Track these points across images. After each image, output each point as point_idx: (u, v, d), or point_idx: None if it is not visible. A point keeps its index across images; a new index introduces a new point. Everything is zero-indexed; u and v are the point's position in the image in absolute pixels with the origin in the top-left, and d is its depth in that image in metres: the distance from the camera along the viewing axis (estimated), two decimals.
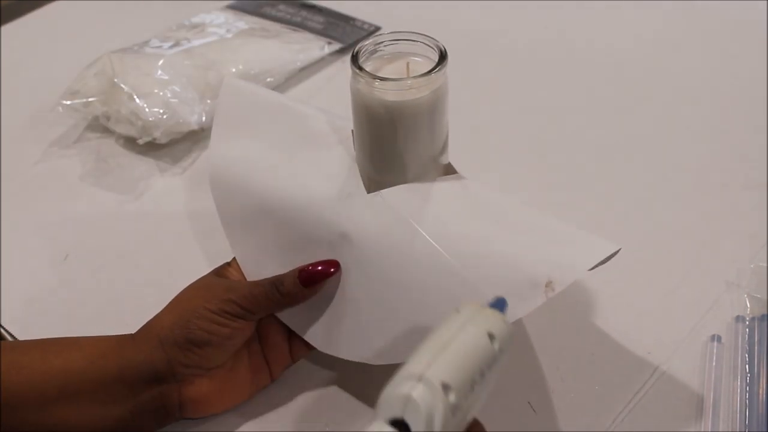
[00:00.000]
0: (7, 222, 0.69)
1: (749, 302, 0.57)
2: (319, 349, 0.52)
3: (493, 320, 0.40)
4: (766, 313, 0.56)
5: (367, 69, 0.48)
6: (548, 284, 0.46)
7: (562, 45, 0.88)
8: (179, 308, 0.49)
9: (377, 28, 0.91)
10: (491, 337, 0.39)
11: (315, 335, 0.52)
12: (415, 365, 0.36)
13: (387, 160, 0.51)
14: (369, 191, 0.51)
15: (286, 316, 0.52)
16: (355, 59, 0.48)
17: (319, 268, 0.50)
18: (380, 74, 0.48)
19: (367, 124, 0.50)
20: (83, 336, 0.50)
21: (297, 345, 0.53)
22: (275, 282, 0.49)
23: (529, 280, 0.46)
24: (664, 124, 0.76)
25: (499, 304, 0.42)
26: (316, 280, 0.49)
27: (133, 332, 0.50)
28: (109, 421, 0.47)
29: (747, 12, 0.90)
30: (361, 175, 0.52)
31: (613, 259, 0.46)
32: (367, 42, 0.50)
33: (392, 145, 0.50)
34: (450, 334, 0.38)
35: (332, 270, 0.50)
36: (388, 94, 0.47)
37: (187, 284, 0.52)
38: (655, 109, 0.78)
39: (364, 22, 0.92)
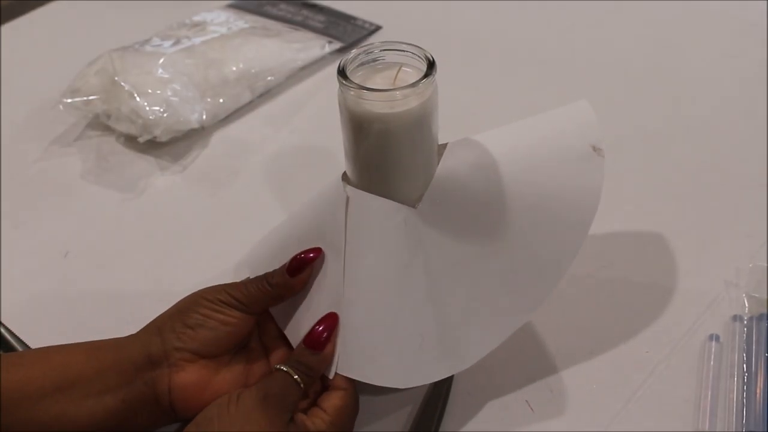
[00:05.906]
0: (7, 219, 0.69)
1: (747, 302, 0.57)
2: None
3: None
4: (764, 312, 0.56)
5: (355, 80, 0.47)
6: (596, 149, 0.53)
7: (562, 45, 0.88)
8: (179, 304, 0.52)
9: (378, 27, 0.91)
10: None
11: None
12: None
13: (375, 170, 0.50)
14: None
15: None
16: (342, 69, 0.48)
17: (302, 255, 0.52)
18: (368, 85, 0.47)
19: (354, 135, 0.49)
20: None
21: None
22: (266, 275, 0.52)
23: (581, 156, 0.52)
24: (664, 123, 0.76)
25: None
26: (300, 268, 0.52)
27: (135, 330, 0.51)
28: (101, 414, 0.47)
29: (747, 12, 0.90)
30: (351, 186, 0.51)
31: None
32: (354, 52, 0.49)
33: (381, 156, 0.49)
34: None
35: (312, 255, 0.52)
36: (375, 105, 0.46)
37: (188, 282, 0.53)
38: (655, 108, 0.78)
39: (365, 21, 0.92)
